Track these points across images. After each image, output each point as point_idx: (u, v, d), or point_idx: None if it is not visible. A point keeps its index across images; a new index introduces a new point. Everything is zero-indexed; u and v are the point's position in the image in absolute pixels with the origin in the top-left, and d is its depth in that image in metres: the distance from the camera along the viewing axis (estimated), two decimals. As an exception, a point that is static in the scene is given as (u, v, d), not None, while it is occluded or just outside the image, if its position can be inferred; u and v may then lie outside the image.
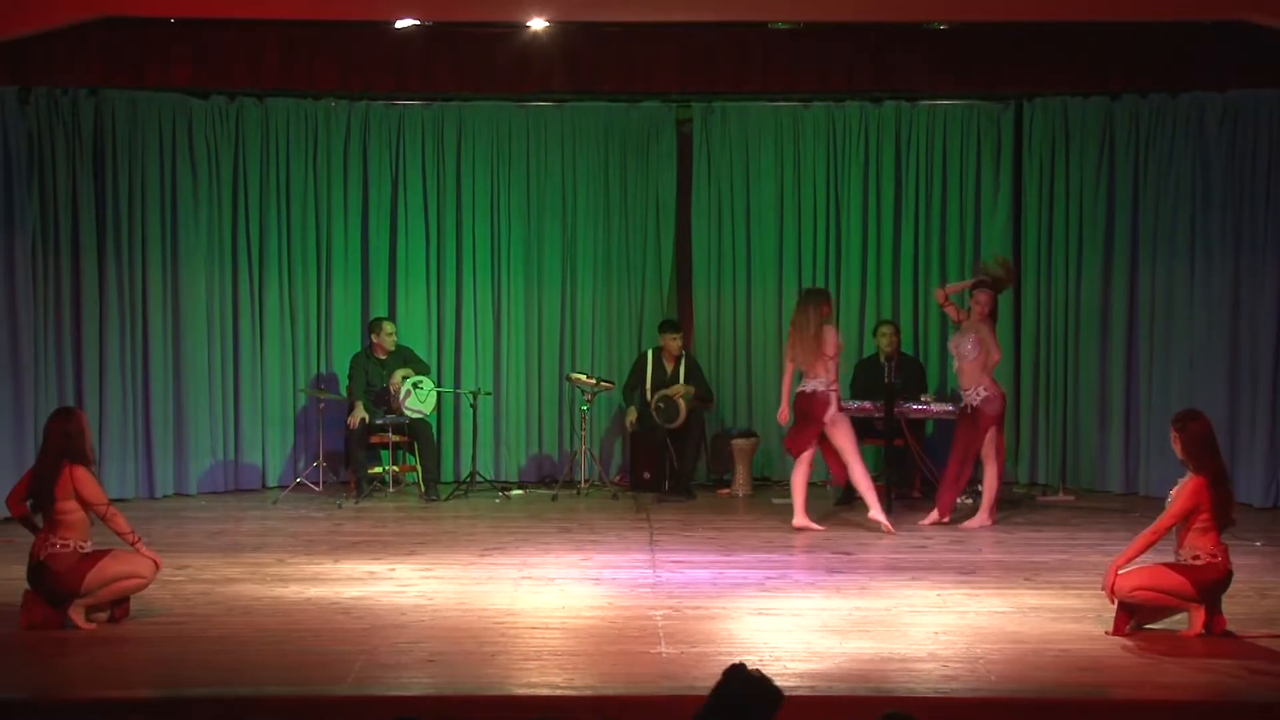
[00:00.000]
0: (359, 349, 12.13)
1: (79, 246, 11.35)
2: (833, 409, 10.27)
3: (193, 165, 11.85)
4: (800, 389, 10.35)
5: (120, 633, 7.43)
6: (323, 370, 12.44)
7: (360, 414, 11.62)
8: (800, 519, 10.35)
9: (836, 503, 11.53)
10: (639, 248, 12.70)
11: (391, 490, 11.93)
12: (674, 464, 11.78)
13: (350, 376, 11.90)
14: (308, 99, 12.18)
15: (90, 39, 10.11)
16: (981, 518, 10.45)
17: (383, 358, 11.85)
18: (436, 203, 12.57)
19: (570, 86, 10.67)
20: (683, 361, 12.07)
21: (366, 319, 12.38)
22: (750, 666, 4.56)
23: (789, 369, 10.51)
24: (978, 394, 10.36)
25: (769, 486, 12.37)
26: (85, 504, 7.44)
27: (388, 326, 11.91)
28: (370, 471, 11.86)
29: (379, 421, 11.67)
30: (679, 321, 12.38)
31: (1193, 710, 6.31)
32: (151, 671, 6.91)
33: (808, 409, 10.30)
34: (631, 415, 12.08)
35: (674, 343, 12.03)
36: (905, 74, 10.66)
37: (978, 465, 10.63)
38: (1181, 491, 7.32)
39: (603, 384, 12.02)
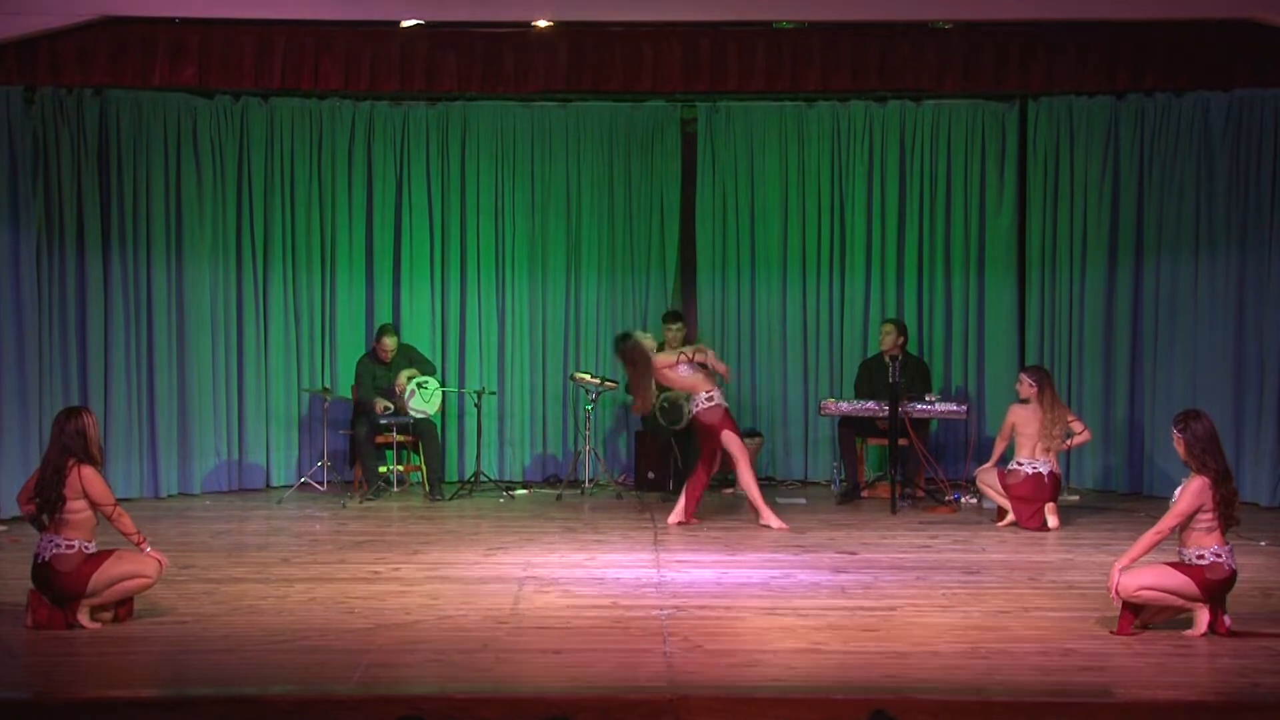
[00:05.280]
0: (363, 349, 12.14)
1: (84, 246, 11.37)
2: None
3: (197, 165, 11.87)
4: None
5: (125, 632, 7.44)
6: (327, 375, 12.44)
7: (383, 402, 11.57)
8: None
9: (839, 501, 11.55)
10: (643, 247, 12.70)
11: (396, 490, 11.93)
12: (679, 464, 11.78)
13: (358, 380, 11.90)
14: (312, 99, 12.20)
15: (95, 39, 10.09)
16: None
17: (386, 360, 11.84)
18: (441, 202, 12.58)
19: (574, 86, 10.66)
20: (686, 352, 12.01)
21: (371, 318, 12.40)
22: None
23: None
24: None
25: (773, 486, 12.38)
26: (93, 504, 7.45)
27: (388, 342, 11.81)
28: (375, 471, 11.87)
29: (384, 421, 11.67)
30: (683, 313, 12.32)
31: (1198, 710, 6.30)
32: (156, 671, 6.92)
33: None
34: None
35: (675, 335, 11.98)
36: (910, 73, 10.64)
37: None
38: (1185, 491, 7.31)
39: (607, 383, 12.01)
